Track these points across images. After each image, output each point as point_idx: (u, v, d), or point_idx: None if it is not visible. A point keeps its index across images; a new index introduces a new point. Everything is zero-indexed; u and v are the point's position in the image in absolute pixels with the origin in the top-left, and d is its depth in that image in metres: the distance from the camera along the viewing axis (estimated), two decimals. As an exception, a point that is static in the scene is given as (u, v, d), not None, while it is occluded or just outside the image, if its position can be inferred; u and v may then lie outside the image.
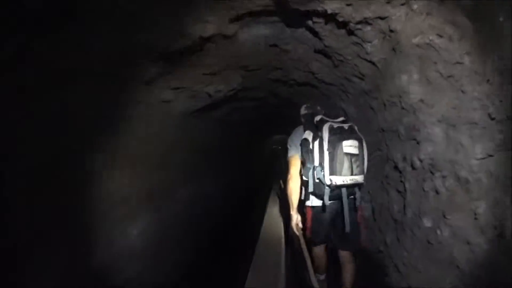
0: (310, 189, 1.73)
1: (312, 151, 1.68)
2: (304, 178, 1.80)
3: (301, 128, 1.90)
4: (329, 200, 1.69)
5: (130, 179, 2.58)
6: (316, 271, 1.92)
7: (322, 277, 2.09)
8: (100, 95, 1.95)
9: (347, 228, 1.67)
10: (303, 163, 1.80)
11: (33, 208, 1.66)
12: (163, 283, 3.02)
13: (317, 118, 1.76)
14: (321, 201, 1.74)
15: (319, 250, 2.00)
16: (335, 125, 1.67)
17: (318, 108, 2.06)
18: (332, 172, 1.60)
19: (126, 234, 2.56)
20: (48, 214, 1.76)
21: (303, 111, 2.09)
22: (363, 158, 1.68)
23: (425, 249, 1.74)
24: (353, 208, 1.78)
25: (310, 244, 1.98)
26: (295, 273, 2.03)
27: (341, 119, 1.78)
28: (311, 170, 1.70)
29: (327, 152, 1.61)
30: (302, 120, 2.00)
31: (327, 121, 1.70)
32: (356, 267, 1.94)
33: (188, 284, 3.38)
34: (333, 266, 2.08)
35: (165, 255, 3.13)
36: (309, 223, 1.87)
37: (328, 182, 1.61)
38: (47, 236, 1.76)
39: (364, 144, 1.69)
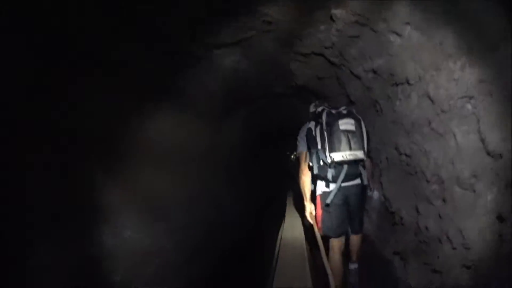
0: (315, 171, 1.80)
1: (315, 137, 1.80)
2: (310, 164, 1.86)
3: (307, 124, 1.99)
4: (333, 182, 1.76)
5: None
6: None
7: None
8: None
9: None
10: (309, 153, 1.88)
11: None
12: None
13: (319, 109, 1.90)
14: (330, 186, 1.80)
15: (335, 243, 1.90)
16: (333, 111, 1.80)
17: (326, 104, 2.16)
18: (331, 149, 1.70)
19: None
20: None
21: (312, 108, 2.18)
22: (361, 135, 1.75)
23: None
24: (360, 188, 1.84)
25: (324, 237, 1.96)
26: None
27: (342, 107, 1.86)
28: (314, 154, 1.79)
29: (325, 132, 1.72)
30: (310, 116, 2.10)
31: (326, 109, 1.83)
32: (361, 245, 2.01)
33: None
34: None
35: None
36: (318, 213, 1.89)
37: (329, 160, 1.70)
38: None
39: (362, 124, 1.78)
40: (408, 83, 1.75)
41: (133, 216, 2.30)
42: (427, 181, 1.63)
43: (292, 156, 16.30)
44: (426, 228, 1.61)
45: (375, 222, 2.43)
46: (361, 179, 1.83)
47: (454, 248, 1.36)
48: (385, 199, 2.20)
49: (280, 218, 3.29)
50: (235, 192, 4.56)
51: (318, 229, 1.96)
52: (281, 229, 2.75)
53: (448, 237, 1.41)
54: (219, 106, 3.40)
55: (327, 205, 1.82)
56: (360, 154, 1.72)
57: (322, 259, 1.74)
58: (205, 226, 3.24)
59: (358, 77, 2.30)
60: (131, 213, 2.29)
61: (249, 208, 5.09)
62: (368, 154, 1.84)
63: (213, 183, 3.76)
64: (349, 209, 1.86)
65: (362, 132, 1.76)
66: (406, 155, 1.87)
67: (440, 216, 1.50)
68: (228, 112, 3.78)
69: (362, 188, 1.87)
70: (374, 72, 2.07)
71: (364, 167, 1.84)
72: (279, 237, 2.51)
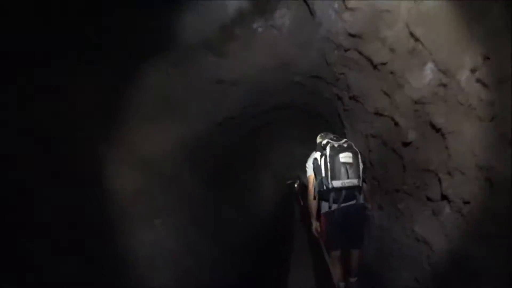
0: (320, 194, 2.20)
1: (320, 166, 2.19)
2: (315, 188, 2.24)
3: (313, 153, 2.34)
4: (334, 203, 2.15)
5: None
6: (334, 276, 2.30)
7: (342, 284, 2.37)
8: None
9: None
10: (315, 178, 2.26)
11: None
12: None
13: (324, 141, 2.25)
14: (332, 206, 2.17)
15: (335, 255, 2.34)
16: (336, 145, 2.19)
17: (331, 135, 2.53)
18: (333, 178, 2.09)
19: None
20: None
21: (318, 139, 2.46)
22: (358, 166, 2.14)
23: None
24: (358, 208, 2.21)
25: (328, 249, 2.36)
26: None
27: (344, 140, 2.26)
28: (319, 180, 2.18)
29: (329, 164, 2.11)
30: (317, 147, 2.49)
31: (330, 143, 2.21)
32: (361, 258, 2.33)
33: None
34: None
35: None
36: (323, 228, 2.29)
37: (330, 186, 2.09)
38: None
39: (359, 156, 2.17)
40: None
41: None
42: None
43: (296, 185, 16.42)
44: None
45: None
46: (357, 200, 2.19)
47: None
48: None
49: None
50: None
51: (323, 241, 2.33)
52: None
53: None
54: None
55: (330, 222, 2.21)
56: (355, 182, 2.10)
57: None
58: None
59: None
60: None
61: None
62: (363, 180, 2.23)
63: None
64: (348, 226, 2.21)
65: (358, 163, 2.15)
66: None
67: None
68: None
69: (360, 207, 2.23)
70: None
71: (360, 191, 2.19)
72: None
